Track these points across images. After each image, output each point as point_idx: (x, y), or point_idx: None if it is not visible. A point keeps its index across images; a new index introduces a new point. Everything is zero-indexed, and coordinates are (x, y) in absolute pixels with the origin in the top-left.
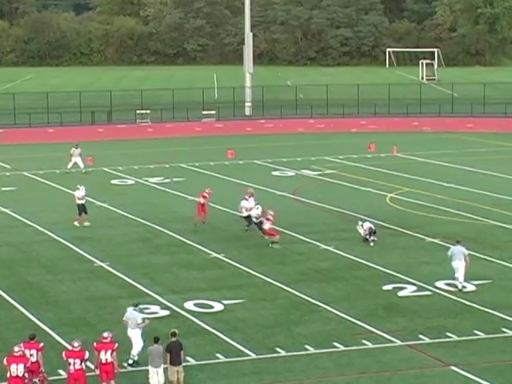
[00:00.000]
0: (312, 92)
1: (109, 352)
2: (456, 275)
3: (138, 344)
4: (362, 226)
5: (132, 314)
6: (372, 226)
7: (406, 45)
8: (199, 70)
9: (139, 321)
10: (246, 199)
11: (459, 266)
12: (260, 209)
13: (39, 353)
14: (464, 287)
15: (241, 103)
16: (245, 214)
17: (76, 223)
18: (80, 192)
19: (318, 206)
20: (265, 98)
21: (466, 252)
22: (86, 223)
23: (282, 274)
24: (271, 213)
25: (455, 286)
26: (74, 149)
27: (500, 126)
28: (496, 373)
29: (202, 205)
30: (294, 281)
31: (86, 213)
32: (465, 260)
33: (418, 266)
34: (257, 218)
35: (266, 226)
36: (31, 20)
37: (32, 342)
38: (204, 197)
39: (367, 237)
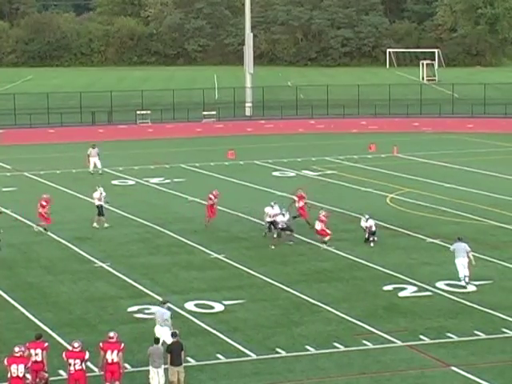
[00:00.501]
0: (312, 92)
1: (115, 352)
2: (460, 274)
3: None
4: (366, 220)
5: (160, 311)
6: (374, 226)
7: (406, 45)
8: (199, 71)
9: (165, 316)
10: (271, 205)
11: (463, 263)
12: (287, 216)
13: (44, 352)
14: (464, 287)
15: (241, 104)
16: (268, 219)
17: (95, 224)
18: (96, 193)
19: (319, 207)
20: (265, 98)
21: (469, 249)
22: (95, 224)
23: (282, 275)
24: (324, 213)
25: (463, 285)
26: (90, 149)
27: (500, 126)
28: (496, 373)
29: (210, 206)
30: (295, 281)
31: (99, 215)
32: (468, 257)
33: (418, 266)
34: (282, 225)
35: (319, 226)
36: (32, 20)
37: (38, 341)
38: (210, 198)
39: (367, 236)
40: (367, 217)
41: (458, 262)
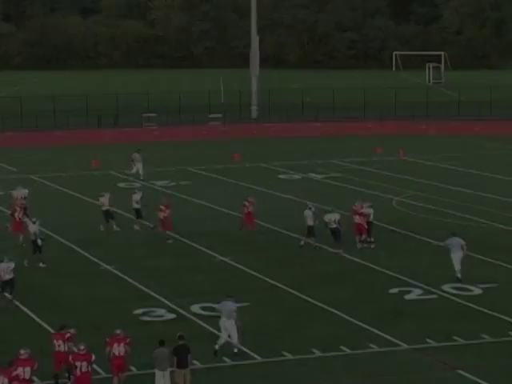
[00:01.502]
0: (318, 95)
1: (122, 345)
2: (456, 268)
3: (235, 334)
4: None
5: (227, 305)
6: (370, 217)
7: (412, 48)
8: (205, 74)
9: (233, 308)
10: (309, 208)
11: (459, 257)
12: (337, 215)
13: (68, 343)
14: (469, 289)
15: (247, 106)
16: (310, 223)
17: (136, 227)
18: (136, 195)
19: (324, 210)
20: (271, 101)
21: (463, 242)
22: (136, 227)
23: (288, 278)
24: (363, 205)
25: (457, 276)
26: (135, 153)
27: (507, 128)
28: (503, 376)
29: (247, 214)
30: (301, 284)
31: (140, 217)
32: (462, 249)
33: (424, 269)
34: (331, 224)
35: (362, 221)
36: (38, 24)
37: (61, 332)
38: (244, 206)
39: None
40: (367, 204)
41: (454, 257)
